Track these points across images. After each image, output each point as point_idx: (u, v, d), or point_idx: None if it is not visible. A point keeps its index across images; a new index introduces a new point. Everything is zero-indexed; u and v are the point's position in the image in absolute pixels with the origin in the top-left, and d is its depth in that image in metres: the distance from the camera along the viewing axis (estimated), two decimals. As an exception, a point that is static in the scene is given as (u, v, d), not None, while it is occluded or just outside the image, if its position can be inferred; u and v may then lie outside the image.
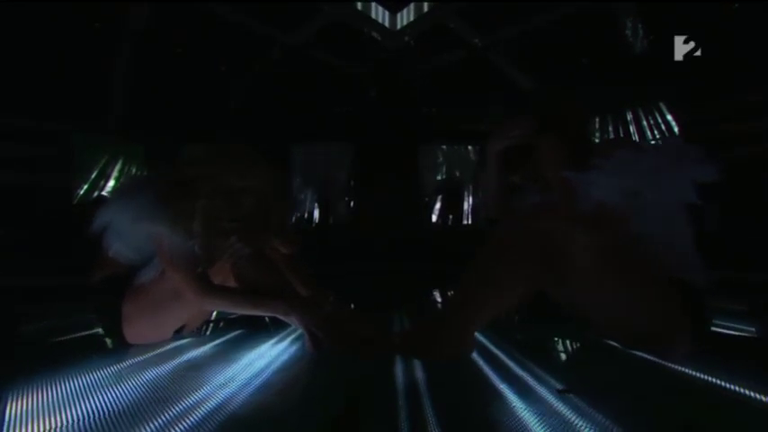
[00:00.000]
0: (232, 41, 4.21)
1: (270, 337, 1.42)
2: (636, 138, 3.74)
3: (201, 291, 1.22)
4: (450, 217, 5.01)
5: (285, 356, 1.21)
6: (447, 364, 1.11)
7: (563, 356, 1.29)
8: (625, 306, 1.10)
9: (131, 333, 1.31)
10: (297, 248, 1.51)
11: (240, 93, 4.61)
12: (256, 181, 1.28)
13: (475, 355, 1.16)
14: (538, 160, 1.21)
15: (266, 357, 1.19)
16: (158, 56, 4.02)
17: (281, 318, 1.24)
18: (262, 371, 1.06)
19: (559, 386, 0.91)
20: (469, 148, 5.01)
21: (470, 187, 4.99)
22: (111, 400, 0.84)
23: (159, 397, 0.86)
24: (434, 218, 5.00)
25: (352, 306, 1.83)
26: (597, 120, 4.20)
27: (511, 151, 1.27)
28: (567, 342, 1.36)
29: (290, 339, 1.39)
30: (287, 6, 4.11)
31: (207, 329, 1.53)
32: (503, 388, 0.91)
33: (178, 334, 1.38)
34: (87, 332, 1.46)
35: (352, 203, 4.99)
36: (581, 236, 1.09)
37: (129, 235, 1.25)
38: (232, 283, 1.34)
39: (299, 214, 4.70)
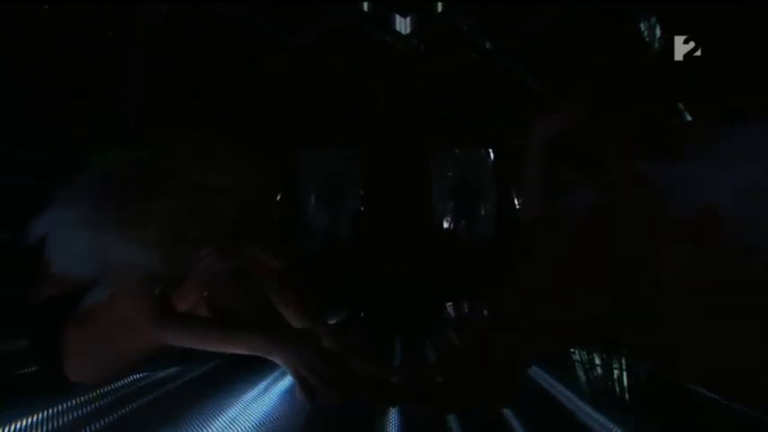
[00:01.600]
0: (237, 43, 4.09)
1: (254, 375, 1.11)
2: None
3: (157, 319, 0.92)
4: (464, 225, 4.83)
5: (267, 408, 0.90)
6: (483, 416, 0.86)
7: (643, 407, 0.99)
8: (734, 345, 0.79)
9: (74, 370, 1.02)
10: (291, 264, 1.21)
11: (245, 96, 4.49)
12: (236, 179, 0.99)
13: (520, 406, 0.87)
14: (599, 150, 0.91)
15: (239, 407, 0.88)
16: (169, 59, 3.91)
17: (263, 356, 0.94)
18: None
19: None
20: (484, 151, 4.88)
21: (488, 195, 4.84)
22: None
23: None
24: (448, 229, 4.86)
25: (359, 341, 1.52)
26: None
27: (562, 139, 0.98)
28: (646, 388, 1.06)
29: (283, 381, 1.08)
30: (294, 8, 3.98)
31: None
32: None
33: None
34: (20, 369, 1.16)
35: (360, 217, 4.85)
36: (668, 252, 0.79)
37: (71, 246, 0.96)
38: (203, 311, 1.04)
39: (297, 223, 4.52)
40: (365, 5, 4.29)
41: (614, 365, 1.18)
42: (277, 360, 0.91)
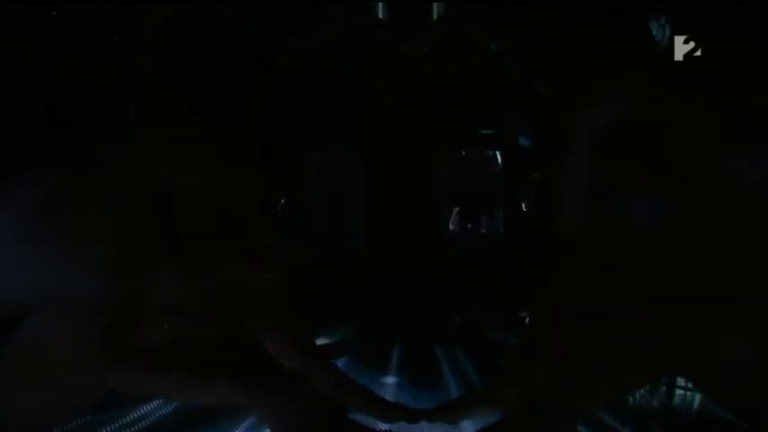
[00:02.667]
0: (241, 46, 3.95)
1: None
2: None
3: (107, 357, 0.71)
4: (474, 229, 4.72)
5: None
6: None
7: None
8: None
9: (7, 415, 0.81)
10: (283, 283, 0.99)
11: (250, 99, 4.36)
12: (212, 177, 0.79)
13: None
14: (670, 141, 0.70)
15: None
16: (175, 64, 3.81)
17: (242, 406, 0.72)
18: None
19: None
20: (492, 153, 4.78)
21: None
22: None
23: None
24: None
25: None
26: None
27: (615, 130, 0.76)
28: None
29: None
30: (298, 10, 3.83)
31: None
32: None
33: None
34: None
35: (365, 224, 4.73)
36: (762, 278, 0.59)
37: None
38: (166, 345, 0.83)
39: (295, 232, 4.40)
40: (370, 7, 4.18)
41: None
42: (260, 414, 0.70)
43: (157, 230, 0.75)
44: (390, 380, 1.75)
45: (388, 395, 1.67)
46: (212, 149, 0.85)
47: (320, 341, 2.09)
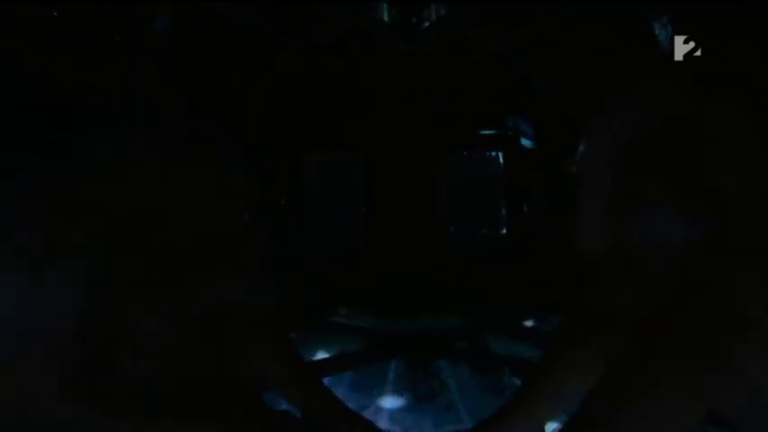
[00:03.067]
0: (242, 47, 3.93)
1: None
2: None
3: (74, 399, 0.61)
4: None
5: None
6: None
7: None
8: None
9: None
10: (273, 307, 0.88)
11: (252, 100, 4.33)
12: (188, 192, 0.70)
13: None
14: (706, 151, 0.61)
15: None
16: (178, 66, 3.79)
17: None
18: None
19: None
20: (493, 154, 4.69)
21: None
22: None
23: None
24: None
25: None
26: None
27: (642, 139, 0.65)
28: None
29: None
30: (299, 11, 3.80)
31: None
32: None
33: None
34: None
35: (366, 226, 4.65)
36: None
37: None
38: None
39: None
40: (371, 8, 4.14)
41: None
42: None
43: (135, 255, 0.65)
44: (391, 399, 1.65)
45: (389, 415, 1.60)
46: (199, 165, 0.74)
47: (320, 354, 1.99)
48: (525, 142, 5.26)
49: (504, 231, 4.66)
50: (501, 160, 4.62)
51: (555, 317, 2.96)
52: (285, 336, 0.81)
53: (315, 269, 4.21)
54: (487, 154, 4.65)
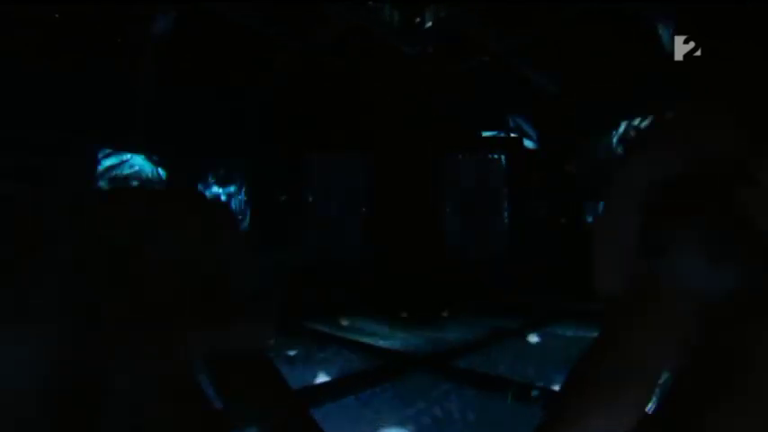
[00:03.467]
0: (244, 48, 3.91)
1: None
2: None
3: None
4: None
5: None
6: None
7: None
8: None
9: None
10: (268, 339, 0.74)
11: (254, 102, 4.31)
12: (165, 228, 0.58)
13: None
14: (738, 202, 0.48)
15: None
16: (178, 68, 3.79)
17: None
18: None
19: None
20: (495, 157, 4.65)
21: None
22: None
23: None
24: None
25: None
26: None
27: (674, 182, 0.52)
28: None
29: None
30: (301, 12, 3.77)
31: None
32: None
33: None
34: None
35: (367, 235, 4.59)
36: None
37: None
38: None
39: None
40: (372, 8, 4.12)
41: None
42: None
43: (112, 301, 0.54)
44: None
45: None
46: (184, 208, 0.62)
47: (321, 379, 1.85)
48: (528, 143, 5.22)
49: (505, 232, 4.63)
50: (504, 162, 4.59)
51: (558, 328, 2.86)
52: (273, 371, 0.70)
53: (315, 270, 4.19)
54: (490, 156, 4.62)
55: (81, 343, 0.49)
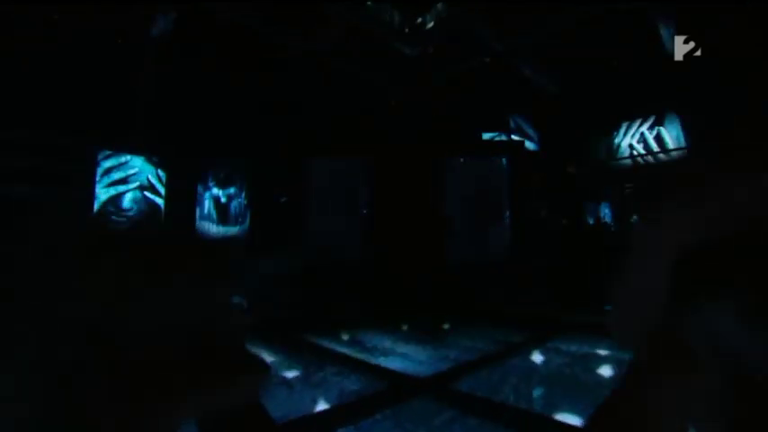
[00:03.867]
0: (246, 50, 3.93)
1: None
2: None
3: None
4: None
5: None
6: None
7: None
8: None
9: None
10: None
11: (255, 103, 4.34)
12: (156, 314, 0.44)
13: None
14: None
15: None
16: (180, 71, 3.80)
17: None
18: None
19: None
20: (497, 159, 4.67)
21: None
22: None
23: None
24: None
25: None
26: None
27: (707, 244, 0.41)
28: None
29: None
30: (304, 13, 3.79)
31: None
32: None
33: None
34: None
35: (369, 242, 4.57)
36: None
37: None
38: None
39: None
40: (373, 9, 4.12)
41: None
42: None
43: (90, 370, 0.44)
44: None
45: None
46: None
47: (320, 406, 1.73)
48: (528, 144, 5.22)
49: (506, 232, 4.64)
50: (504, 163, 4.62)
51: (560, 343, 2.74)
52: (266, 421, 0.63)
53: (315, 270, 4.16)
54: (492, 159, 4.65)
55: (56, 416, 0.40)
